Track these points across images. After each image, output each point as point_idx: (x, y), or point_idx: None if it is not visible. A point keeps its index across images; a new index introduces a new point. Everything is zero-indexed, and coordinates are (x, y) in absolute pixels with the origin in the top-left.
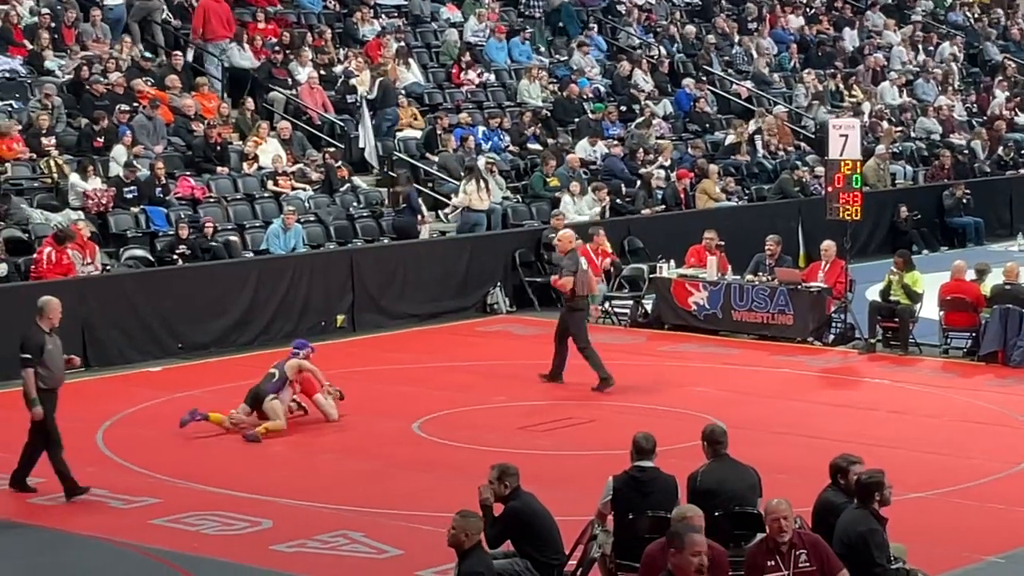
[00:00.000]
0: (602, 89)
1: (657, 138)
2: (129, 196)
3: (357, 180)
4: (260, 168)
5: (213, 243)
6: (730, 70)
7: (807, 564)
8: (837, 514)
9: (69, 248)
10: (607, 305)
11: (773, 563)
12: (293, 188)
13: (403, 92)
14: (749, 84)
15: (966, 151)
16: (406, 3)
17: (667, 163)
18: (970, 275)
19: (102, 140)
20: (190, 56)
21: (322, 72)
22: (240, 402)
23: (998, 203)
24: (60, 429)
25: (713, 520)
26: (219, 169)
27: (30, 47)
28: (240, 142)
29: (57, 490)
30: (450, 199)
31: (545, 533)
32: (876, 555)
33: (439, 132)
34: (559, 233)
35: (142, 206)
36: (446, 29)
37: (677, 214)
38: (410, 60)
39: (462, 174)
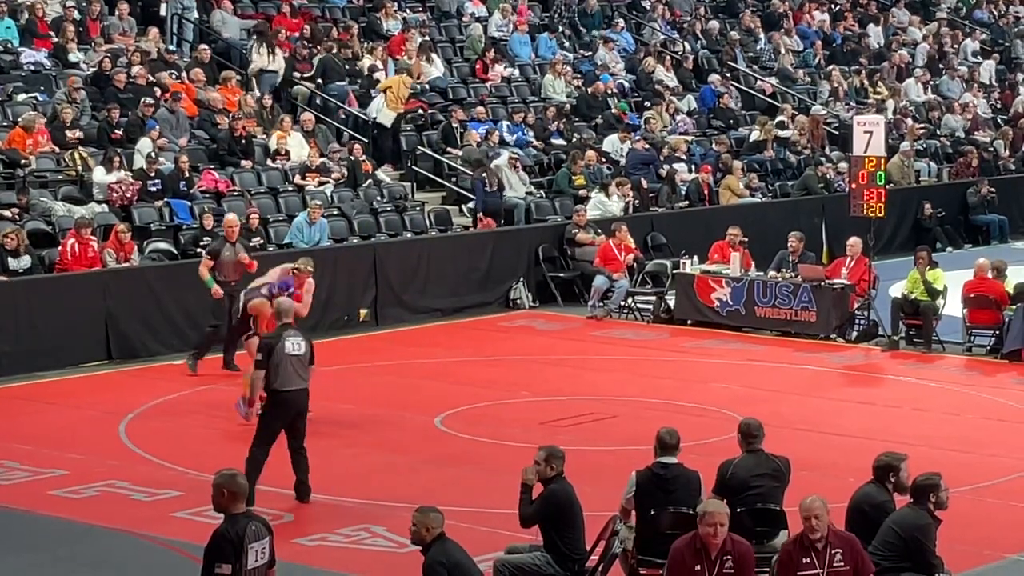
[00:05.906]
0: (626, 85)
1: (679, 133)
2: (153, 189)
3: (381, 174)
4: (289, 163)
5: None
6: (755, 66)
7: (841, 563)
8: (878, 508)
9: (107, 248)
10: (630, 301)
11: (808, 560)
12: (320, 184)
13: (427, 87)
14: (774, 80)
15: (991, 149)
16: None
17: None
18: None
19: (121, 132)
20: None
21: (346, 67)
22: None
23: (1023, 201)
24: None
25: (736, 516)
26: (243, 163)
27: (55, 40)
28: (264, 136)
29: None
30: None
31: (573, 523)
32: (931, 548)
33: (454, 126)
34: (227, 217)
35: (166, 199)
36: (471, 24)
37: (700, 210)
38: (433, 55)
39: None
